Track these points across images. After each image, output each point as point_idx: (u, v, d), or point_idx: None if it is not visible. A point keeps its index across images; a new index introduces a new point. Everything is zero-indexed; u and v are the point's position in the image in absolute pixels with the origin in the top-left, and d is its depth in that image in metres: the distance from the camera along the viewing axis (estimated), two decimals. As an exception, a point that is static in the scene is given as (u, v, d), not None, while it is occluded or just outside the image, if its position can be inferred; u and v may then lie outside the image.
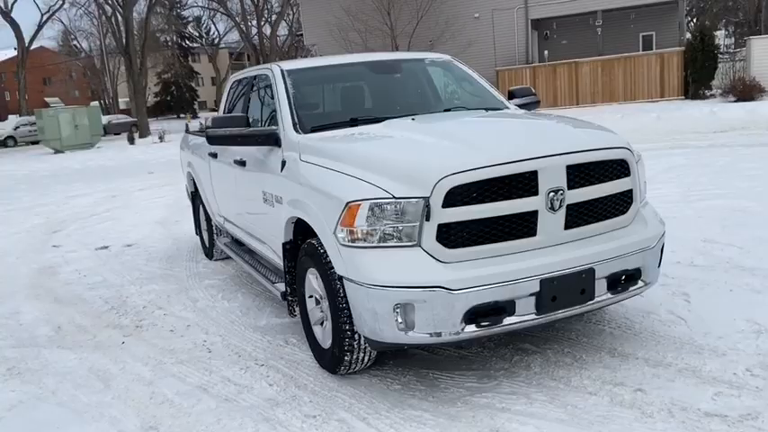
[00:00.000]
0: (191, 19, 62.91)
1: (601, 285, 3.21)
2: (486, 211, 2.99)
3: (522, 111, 4.47)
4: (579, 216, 3.20)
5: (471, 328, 2.99)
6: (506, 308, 3.02)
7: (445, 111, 4.24)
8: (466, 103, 4.48)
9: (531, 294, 3.03)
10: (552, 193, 3.05)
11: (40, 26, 40.01)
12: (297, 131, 3.92)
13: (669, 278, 4.59)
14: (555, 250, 3.12)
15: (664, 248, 3.60)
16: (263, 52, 40.73)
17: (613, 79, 23.84)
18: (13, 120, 41.66)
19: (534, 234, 3.09)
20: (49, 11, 40.85)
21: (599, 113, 20.90)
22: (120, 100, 58.54)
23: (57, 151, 28.74)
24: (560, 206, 3.09)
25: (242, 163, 4.55)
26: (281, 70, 4.41)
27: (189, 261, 6.71)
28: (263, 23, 45.39)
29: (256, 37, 44.58)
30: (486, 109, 4.28)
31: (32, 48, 61.79)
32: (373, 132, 3.74)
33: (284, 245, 3.85)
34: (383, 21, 25.97)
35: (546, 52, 27.22)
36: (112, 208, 11.28)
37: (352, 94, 4.64)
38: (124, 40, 33.17)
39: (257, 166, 4.28)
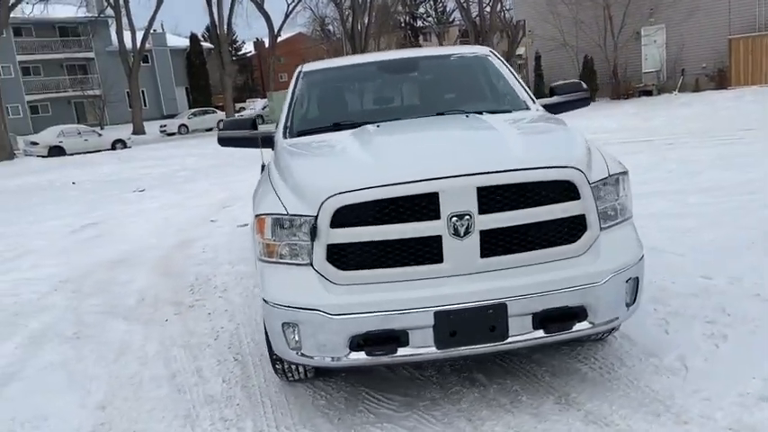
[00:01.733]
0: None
1: (523, 323, 2.80)
2: (381, 233, 2.78)
3: (538, 114, 3.94)
4: (501, 244, 2.82)
5: (359, 355, 2.84)
6: (400, 338, 2.81)
7: (438, 114, 3.93)
8: (472, 105, 4.08)
9: (429, 327, 2.78)
10: (455, 218, 2.74)
11: (287, 15, 44.36)
12: (284, 136, 3.98)
13: (725, 315, 3.79)
14: (464, 280, 2.80)
15: (637, 285, 3.00)
16: (482, 29, 40.35)
17: None
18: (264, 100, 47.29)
19: (441, 261, 2.80)
20: (293, 1, 45.06)
21: None
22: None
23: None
24: (468, 232, 2.75)
25: None
26: (300, 71, 4.48)
27: (290, 245, 7.14)
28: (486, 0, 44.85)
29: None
30: (490, 112, 3.85)
31: (290, 35, 69.05)
32: (328, 141, 3.63)
33: None
34: (595, -11, 24.12)
35: (797, 15, 22.97)
36: (285, 186, 12.28)
37: (356, 96, 4.53)
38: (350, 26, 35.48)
39: (270, 165, 4.43)
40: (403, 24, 62.66)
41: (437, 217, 2.74)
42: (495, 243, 2.81)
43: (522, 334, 2.82)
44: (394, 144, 3.34)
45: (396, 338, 2.80)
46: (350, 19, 38.69)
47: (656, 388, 3.06)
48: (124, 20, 39.18)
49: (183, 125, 39.98)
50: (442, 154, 2.99)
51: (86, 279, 6.57)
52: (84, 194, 14.47)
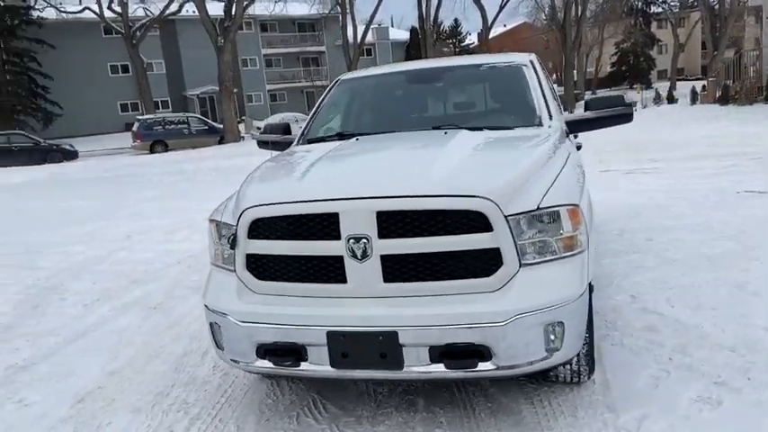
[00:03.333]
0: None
1: (418, 354, 2.67)
2: (290, 248, 2.86)
3: (537, 133, 3.58)
4: (405, 270, 2.71)
5: (264, 363, 2.94)
6: (300, 352, 2.85)
7: (434, 128, 3.77)
8: (475, 119, 3.83)
9: (323, 345, 2.79)
10: (353, 240, 2.70)
11: (501, 7, 43.93)
12: (297, 142, 4.16)
13: (743, 378, 3.19)
14: (363, 303, 2.76)
15: (563, 330, 2.66)
16: (720, 15, 35.94)
17: None
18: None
19: (345, 281, 2.79)
20: (511, -10, 44.45)
21: None
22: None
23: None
24: (366, 256, 2.70)
25: None
26: (337, 80, 4.60)
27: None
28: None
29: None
30: (490, 128, 3.63)
31: (515, 25, 68.65)
32: (310, 151, 3.68)
33: None
34: None
35: None
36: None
37: (372, 106, 4.47)
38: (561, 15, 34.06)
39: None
40: (635, 10, 58.33)
41: (338, 237, 2.73)
42: (398, 269, 2.71)
43: (419, 365, 2.70)
44: (337, 161, 3.35)
45: (297, 352, 2.86)
46: (570, 6, 36.95)
47: (587, 446, 2.71)
48: (348, 16, 42.01)
49: (392, 115, 41.70)
50: (353, 175, 2.96)
51: (206, 256, 7.37)
52: (271, 178, 15.99)
